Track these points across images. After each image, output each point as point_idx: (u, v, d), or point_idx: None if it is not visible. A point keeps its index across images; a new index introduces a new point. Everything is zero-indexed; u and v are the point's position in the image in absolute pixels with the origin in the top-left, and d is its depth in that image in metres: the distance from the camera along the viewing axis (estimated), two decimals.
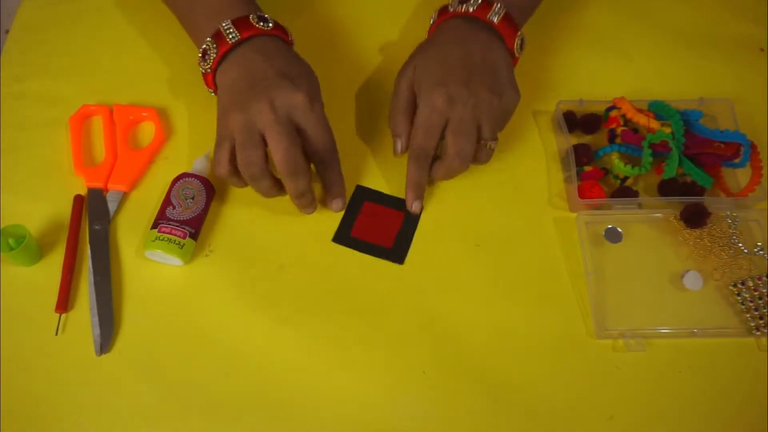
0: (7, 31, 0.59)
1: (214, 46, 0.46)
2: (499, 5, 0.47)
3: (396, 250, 0.48)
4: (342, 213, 0.49)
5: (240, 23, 0.46)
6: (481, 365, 0.44)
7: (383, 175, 0.51)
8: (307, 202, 0.47)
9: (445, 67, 0.46)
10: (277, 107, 0.43)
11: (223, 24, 0.46)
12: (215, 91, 0.49)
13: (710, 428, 0.43)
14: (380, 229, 0.49)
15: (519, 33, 0.48)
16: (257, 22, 0.46)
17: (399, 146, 0.49)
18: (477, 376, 0.44)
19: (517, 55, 0.49)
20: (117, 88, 0.55)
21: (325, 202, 0.49)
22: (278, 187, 0.46)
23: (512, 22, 0.48)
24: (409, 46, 0.51)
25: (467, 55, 0.47)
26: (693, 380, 0.44)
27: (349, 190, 0.50)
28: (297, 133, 0.44)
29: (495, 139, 0.47)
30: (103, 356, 0.44)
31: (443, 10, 0.50)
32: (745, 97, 0.55)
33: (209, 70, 0.47)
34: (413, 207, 0.48)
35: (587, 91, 0.55)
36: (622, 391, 0.44)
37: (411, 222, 0.49)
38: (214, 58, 0.46)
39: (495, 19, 0.47)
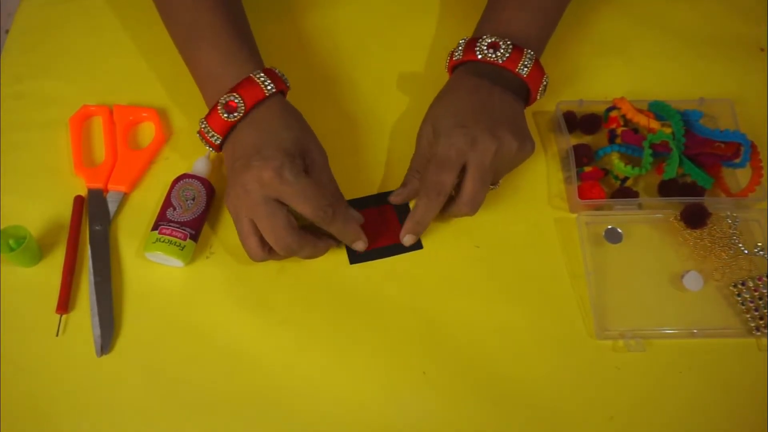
0: (7, 31, 0.59)
1: (241, 104, 0.44)
2: (529, 54, 0.45)
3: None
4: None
5: (245, 89, 0.44)
6: (481, 366, 0.44)
7: (355, 180, 0.51)
8: (319, 255, 0.46)
9: (465, 112, 0.44)
10: (249, 190, 0.42)
11: (226, 96, 0.44)
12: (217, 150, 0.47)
13: (710, 428, 0.43)
14: (383, 229, 0.49)
15: (545, 77, 0.47)
16: (262, 82, 0.44)
17: (399, 193, 0.48)
18: (477, 377, 0.44)
19: (539, 97, 0.48)
20: (117, 89, 0.55)
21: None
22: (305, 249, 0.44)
23: (539, 68, 0.46)
24: (386, 55, 0.51)
25: (488, 100, 0.45)
26: (693, 381, 0.44)
27: None
28: (280, 205, 0.42)
29: (498, 183, 0.48)
30: (104, 357, 0.44)
31: (469, 49, 0.47)
32: (745, 97, 0.55)
33: (218, 142, 0.45)
34: (405, 238, 0.46)
35: (587, 91, 0.55)
36: (623, 391, 0.44)
37: (404, 208, 0.49)
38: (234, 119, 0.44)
39: (525, 72, 0.45)
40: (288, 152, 0.43)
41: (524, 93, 0.48)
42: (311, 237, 0.44)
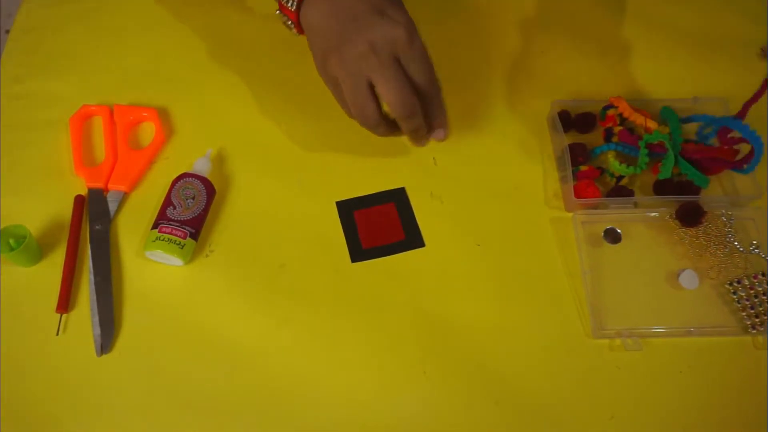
0: (7, 32, 0.59)
1: None
2: None
3: (411, 237, 0.48)
4: (342, 227, 0.49)
5: None
6: (481, 365, 0.45)
7: (351, 181, 0.51)
8: (422, 135, 0.45)
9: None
10: (378, 49, 0.40)
11: None
12: (300, 32, 0.45)
13: (709, 426, 0.43)
14: (384, 227, 0.49)
15: None
16: None
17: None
18: (477, 376, 0.44)
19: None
20: (117, 89, 0.55)
21: (430, 134, 0.47)
22: (393, 129, 0.45)
23: None
24: None
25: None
26: (692, 379, 0.44)
27: (330, 209, 0.50)
28: (402, 69, 0.41)
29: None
30: (104, 356, 0.44)
31: None
32: (744, 97, 0.55)
33: (294, 8, 0.43)
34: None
35: (582, 90, 0.56)
36: (623, 390, 0.44)
37: (405, 206, 0.49)
38: None
39: None
40: (406, 13, 0.42)
41: None
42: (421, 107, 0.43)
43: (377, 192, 0.51)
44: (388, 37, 0.40)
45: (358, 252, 0.48)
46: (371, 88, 0.42)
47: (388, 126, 0.45)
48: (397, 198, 0.50)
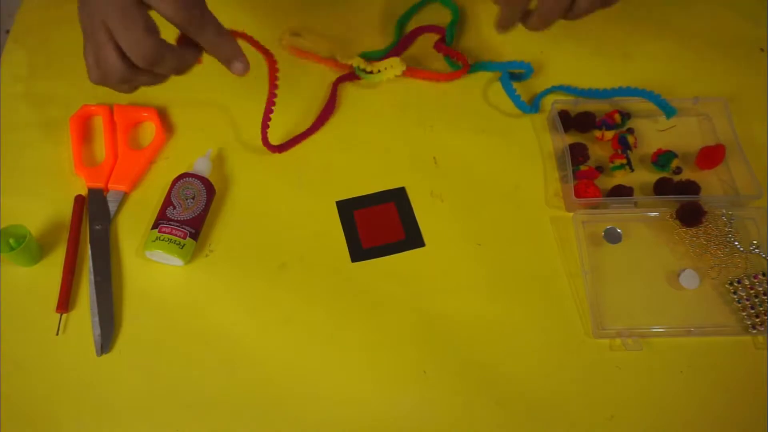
0: (7, 32, 0.59)
1: None
2: None
3: (411, 237, 0.48)
4: (338, 222, 0.49)
5: None
6: (481, 364, 0.45)
7: (351, 181, 0.51)
8: (181, 72, 0.41)
9: None
10: None
11: None
12: None
13: (709, 426, 0.43)
14: (384, 227, 0.49)
15: None
16: None
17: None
18: (477, 376, 0.44)
19: None
20: None
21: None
22: (151, 76, 0.40)
23: None
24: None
25: None
26: (692, 379, 0.44)
27: (330, 209, 0.50)
28: (141, 7, 0.37)
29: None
30: (104, 356, 0.44)
31: None
32: (744, 97, 0.55)
33: None
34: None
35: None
36: (623, 390, 0.44)
37: (405, 205, 0.49)
38: None
39: None
40: None
41: None
42: (175, 47, 0.39)
43: (377, 192, 0.51)
44: None
45: (358, 252, 0.48)
46: (110, 34, 0.37)
47: (140, 74, 0.40)
48: (397, 197, 0.50)
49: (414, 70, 0.56)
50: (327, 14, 0.60)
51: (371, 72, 0.55)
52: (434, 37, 0.58)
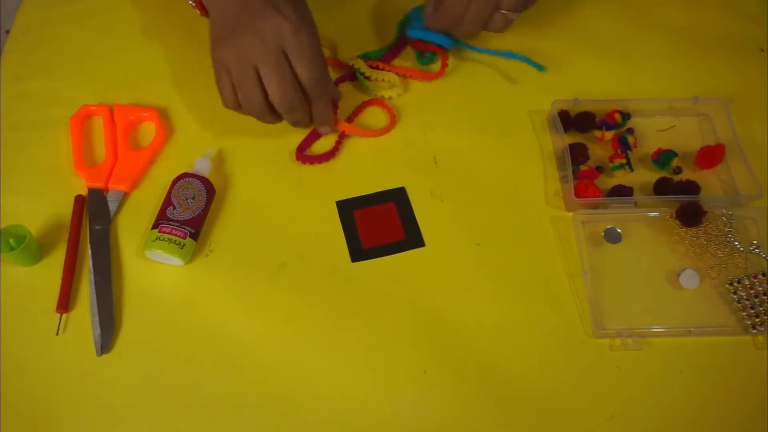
0: (7, 32, 0.59)
1: None
2: None
3: (411, 237, 0.49)
4: (338, 220, 0.50)
5: None
6: (481, 364, 0.45)
7: (351, 181, 0.51)
8: (303, 127, 0.50)
9: None
10: (266, 39, 0.43)
11: None
12: (204, 14, 0.49)
13: (709, 426, 0.43)
14: (384, 227, 0.49)
15: None
16: None
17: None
18: (477, 376, 0.44)
19: None
20: (117, 88, 0.55)
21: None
22: (278, 118, 0.48)
23: None
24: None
25: None
26: (692, 379, 0.44)
27: (330, 209, 0.50)
28: (288, 63, 0.44)
29: (516, 11, 0.48)
30: (104, 356, 0.44)
31: None
32: (744, 97, 0.55)
33: None
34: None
35: (583, 90, 0.56)
36: (623, 390, 0.44)
37: (405, 205, 0.50)
38: None
39: None
40: (306, 12, 0.45)
41: None
42: (305, 103, 0.47)
43: (377, 192, 0.51)
44: (275, 29, 0.43)
45: (358, 251, 0.48)
46: (258, 76, 0.44)
47: (273, 115, 0.47)
48: (397, 197, 0.50)
49: (409, 70, 0.56)
50: (330, 13, 0.60)
51: (369, 78, 0.55)
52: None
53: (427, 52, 0.56)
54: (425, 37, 0.55)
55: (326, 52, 0.57)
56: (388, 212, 0.50)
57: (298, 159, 0.52)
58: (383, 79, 0.55)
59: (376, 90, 0.55)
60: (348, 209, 0.50)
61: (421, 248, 0.49)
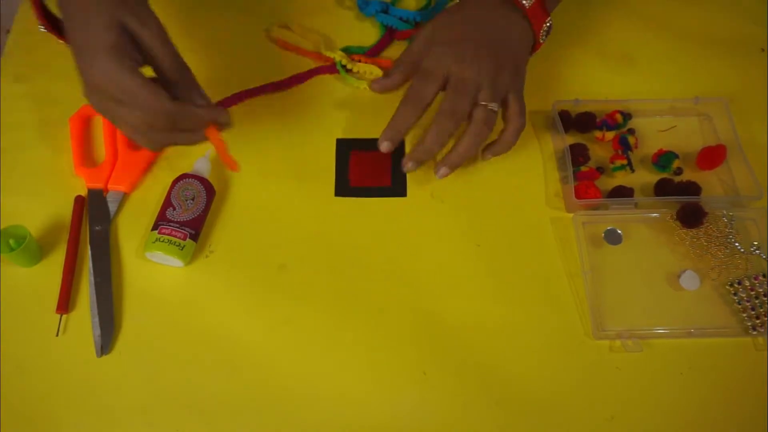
0: (7, 31, 0.59)
1: None
2: None
3: (395, 186, 0.51)
4: (333, 166, 0.51)
5: None
6: (481, 366, 0.45)
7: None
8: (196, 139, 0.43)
9: (464, 31, 0.47)
10: (92, 100, 0.41)
11: None
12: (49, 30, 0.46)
13: (710, 428, 0.43)
14: (375, 171, 0.51)
15: (548, 19, 0.49)
16: None
17: (378, 81, 0.50)
18: (477, 377, 0.44)
19: (541, 41, 0.50)
20: None
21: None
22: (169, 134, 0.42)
23: (543, 8, 0.49)
24: None
25: (491, 27, 0.47)
26: (692, 381, 0.44)
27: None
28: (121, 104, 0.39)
29: (495, 101, 0.47)
30: (104, 357, 0.44)
31: None
32: (745, 97, 0.55)
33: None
34: (383, 145, 0.47)
35: (584, 90, 0.56)
36: (623, 391, 0.44)
37: (400, 156, 0.50)
38: None
39: (527, 4, 0.48)
40: (111, 44, 0.38)
41: (529, 33, 0.49)
42: (177, 132, 0.41)
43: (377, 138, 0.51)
44: (92, 87, 0.39)
45: (344, 188, 0.50)
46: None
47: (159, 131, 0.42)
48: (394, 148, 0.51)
49: (386, 62, 0.56)
50: (314, 8, 0.60)
51: (351, 71, 0.55)
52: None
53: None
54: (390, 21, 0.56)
55: (309, 46, 0.57)
56: (382, 159, 0.51)
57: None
58: (366, 72, 0.55)
59: (359, 83, 0.55)
60: (347, 147, 0.52)
61: (422, 249, 0.48)
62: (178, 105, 0.40)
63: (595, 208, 0.50)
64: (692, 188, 0.50)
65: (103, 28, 0.38)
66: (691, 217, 0.48)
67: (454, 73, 0.46)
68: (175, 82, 0.41)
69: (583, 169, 0.51)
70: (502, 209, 0.50)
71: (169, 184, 0.49)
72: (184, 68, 0.42)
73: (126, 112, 0.40)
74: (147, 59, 0.41)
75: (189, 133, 0.42)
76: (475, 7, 0.49)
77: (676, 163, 0.51)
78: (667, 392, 0.44)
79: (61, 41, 0.44)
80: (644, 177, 0.52)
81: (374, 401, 0.43)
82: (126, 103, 0.39)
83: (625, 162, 0.51)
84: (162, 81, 0.41)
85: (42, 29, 0.45)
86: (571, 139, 0.53)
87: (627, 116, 0.53)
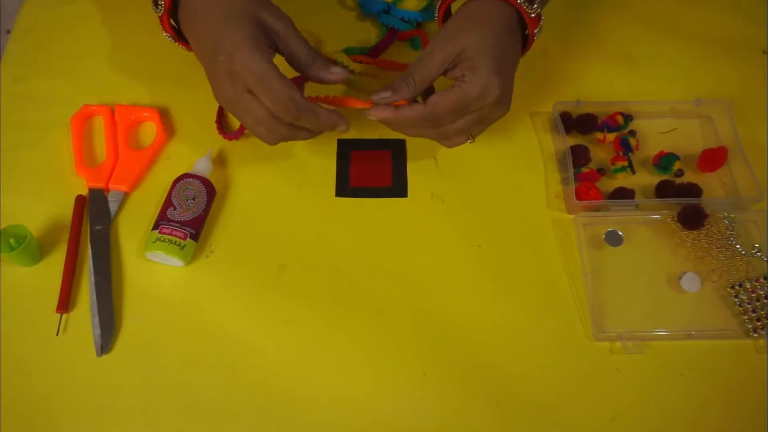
0: (8, 32, 0.59)
1: None
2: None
3: (396, 187, 0.50)
4: (335, 162, 0.52)
5: None
6: (481, 367, 0.45)
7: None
8: (334, 126, 0.45)
9: (501, 57, 0.44)
10: (224, 88, 0.43)
11: None
12: (175, 39, 0.47)
13: (710, 430, 0.43)
14: (375, 171, 0.51)
15: (541, 20, 0.46)
16: None
17: (383, 97, 0.44)
18: (478, 378, 0.44)
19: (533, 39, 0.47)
20: (118, 88, 0.55)
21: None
22: (304, 130, 0.45)
23: (539, 15, 0.46)
24: None
25: (513, 49, 0.46)
26: (693, 383, 0.44)
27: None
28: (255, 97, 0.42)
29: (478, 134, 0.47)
30: (104, 356, 0.44)
31: None
32: (746, 98, 0.55)
33: (162, 12, 0.45)
34: (372, 116, 0.44)
35: (584, 92, 0.56)
36: (623, 393, 0.44)
37: (400, 156, 0.51)
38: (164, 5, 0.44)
39: (532, 13, 0.45)
40: (250, 36, 0.41)
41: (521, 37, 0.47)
42: (298, 127, 0.44)
43: (378, 138, 0.52)
44: (228, 74, 0.42)
45: (344, 188, 0.50)
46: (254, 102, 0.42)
47: (294, 131, 0.45)
48: (395, 148, 0.52)
49: (396, 63, 0.56)
50: (315, 8, 0.60)
51: (353, 72, 0.55)
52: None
53: (416, 36, 0.57)
54: (391, 21, 0.56)
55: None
56: (382, 159, 0.51)
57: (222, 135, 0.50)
58: (369, 73, 0.55)
59: (362, 83, 0.55)
60: (348, 147, 0.52)
61: (423, 250, 0.48)
62: (306, 101, 0.43)
63: (596, 209, 0.50)
64: (693, 190, 0.49)
65: (244, 21, 0.42)
66: (692, 218, 0.48)
67: (487, 112, 0.45)
68: (308, 66, 0.45)
69: (584, 170, 0.51)
70: (502, 210, 0.50)
71: (170, 183, 0.49)
72: (315, 54, 0.45)
73: (255, 104, 0.42)
74: (279, 50, 0.44)
75: (308, 132, 0.45)
76: (502, 30, 0.44)
77: (677, 165, 0.51)
78: (667, 394, 0.44)
79: (183, 47, 0.48)
80: (645, 178, 0.52)
81: (374, 401, 0.43)
82: (258, 92, 0.41)
83: (626, 163, 0.51)
84: (296, 68, 0.45)
85: (169, 38, 0.47)
86: (572, 141, 0.53)
87: (628, 118, 0.53)
